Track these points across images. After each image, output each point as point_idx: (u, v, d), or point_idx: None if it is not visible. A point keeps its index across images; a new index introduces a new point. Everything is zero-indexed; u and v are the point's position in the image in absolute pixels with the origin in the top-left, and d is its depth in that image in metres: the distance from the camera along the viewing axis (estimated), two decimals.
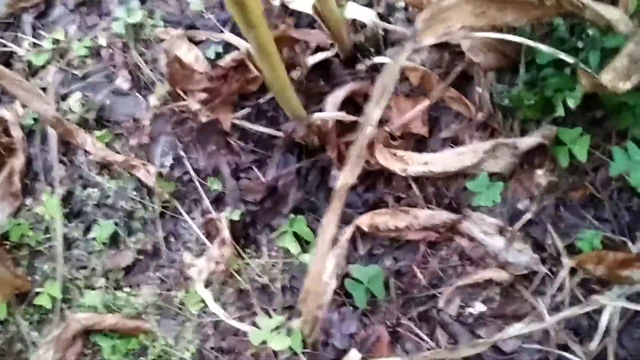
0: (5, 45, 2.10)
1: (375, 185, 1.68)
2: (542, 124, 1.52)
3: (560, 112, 1.43)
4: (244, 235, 1.75)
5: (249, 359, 1.60)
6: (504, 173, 1.52)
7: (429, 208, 1.58)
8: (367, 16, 1.60)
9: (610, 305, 1.35)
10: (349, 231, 1.55)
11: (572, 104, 1.39)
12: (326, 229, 1.36)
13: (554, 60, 1.36)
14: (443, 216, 1.54)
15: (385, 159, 1.53)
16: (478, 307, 1.52)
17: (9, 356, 1.72)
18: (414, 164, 1.52)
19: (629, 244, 1.44)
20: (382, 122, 1.64)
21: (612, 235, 1.47)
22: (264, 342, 1.49)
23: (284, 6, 1.72)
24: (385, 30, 1.69)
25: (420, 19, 1.18)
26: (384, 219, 1.60)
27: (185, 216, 1.80)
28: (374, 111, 1.17)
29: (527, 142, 1.48)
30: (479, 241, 1.52)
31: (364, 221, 1.56)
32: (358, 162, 1.24)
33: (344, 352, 1.53)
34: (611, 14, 1.17)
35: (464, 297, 1.54)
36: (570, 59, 1.20)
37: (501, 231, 1.50)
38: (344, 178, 1.26)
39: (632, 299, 1.37)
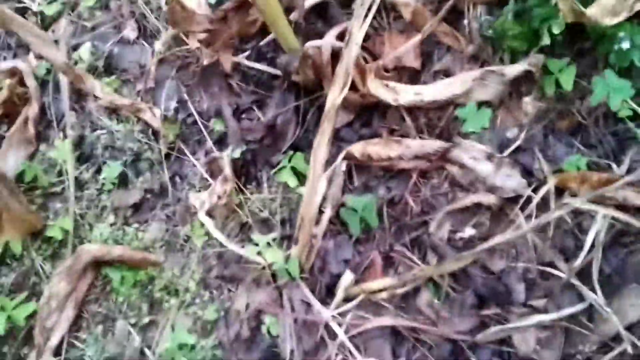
0: (20, 1, 2.18)
1: (371, 120, 1.73)
2: (531, 54, 1.56)
3: (546, 41, 1.47)
4: (245, 173, 1.82)
5: (250, 284, 1.67)
6: (492, 101, 1.56)
7: (420, 138, 1.63)
8: None
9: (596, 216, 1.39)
10: (340, 158, 1.60)
11: (556, 30, 1.43)
12: (317, 152, 1.42)
13: None
14: (434, 145, 1.59)
15: (377, 89, 1.58)
16: (468, 231, 1.57)
17: (25, 289, 1.81)
18: (406, 94, 1.57)
19: (614, 167, 1.48)
20: (376, 56, 1.69)
21: (598, 160, 1.50)
22: (258, 254, 1.56)
23: None
24: None
25: None
26: (376, 149, 1.65)
27: (190, 156, 1.88)
28: (356, 29, 1.22)
29: (515, 69, 1.52)
30: (469, 167, 1.56)
31: (357, 149, 1.61)
32: (344, 80, 1.29)
33: (339, 276, 1.60)
34: None
35: (455, 222, 1.59)
36: None
37: (490, 157, 1.54)
38: (332, 97, 1.32)
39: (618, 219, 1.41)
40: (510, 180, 1.51)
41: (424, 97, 1.57)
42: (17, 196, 1.75)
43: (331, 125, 1.38)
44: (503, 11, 1.53)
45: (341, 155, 1.60)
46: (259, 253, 1.56)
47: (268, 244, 1.59)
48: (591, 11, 1.29)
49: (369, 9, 1.23)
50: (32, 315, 1.74)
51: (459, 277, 1.51)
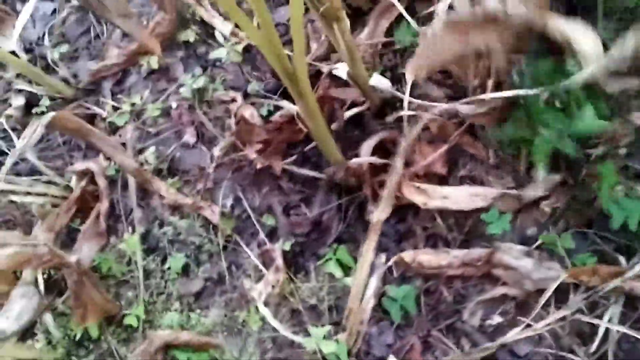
0: (89, 109, 2.50)
1: (405, 217, 1.98)
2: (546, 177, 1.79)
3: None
4: (294, 263, 2.07)
5: None
6: (511, 211, 1.81)
7: (450, 238, 1.87)
8: (385, 84, 1.93)
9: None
10: (390, 262, 1.84)
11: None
12: (365, 256, 1.67)
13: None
14: (478, 252, 1.79)
15: (410, 192, 1.83)
16: (496, 319, 1.79)
17: None
18: (434, 197, 1.82)
19: (622, 260, 1.71)
20: (408, 164, 1.95)
21: (609, 251, 1.73)
22: (317, 347, 1.79)
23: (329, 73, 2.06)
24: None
25: (409, 67, 1.50)
26: (427, 257, 1.86)
27: (245, 248, 2.13)
28: (398, 162, 1.49)
29: (531, 194, 1.77)
30: (513, 267, 1.76)
31: (409, 256, 1.84)
32: (388, 201, 1.56)
33: (383, 359, 1.82)
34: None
35: (484, 310, 1.81)
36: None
37: (529, 254, 1.76)
38: (378, 215, 1.58)
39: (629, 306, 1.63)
40: (551, 271, 1.72)
41: (450, 203, 1.81)
42: (97, 287, 2.00)
43: (376, 235, 1.64)
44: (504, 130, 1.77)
45: (391, 260, 1.84)
46: (315, 348, 1.78)
47: (323, 336, 1.81)
48: None
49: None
50: None
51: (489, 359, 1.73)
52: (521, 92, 1.53)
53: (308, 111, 1.54)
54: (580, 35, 1.36)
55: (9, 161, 1.85)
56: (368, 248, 1.62)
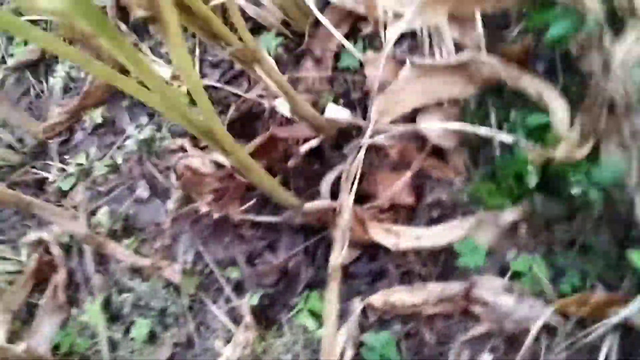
0: (37, 174, 2.36)
1: (376, 256, 1.82)
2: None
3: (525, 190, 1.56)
4: (265, 317, 1.91)
5: None
6: (489, 242, 1.64)
7: (426, 274, 1.71)
8: (343, 115, 1.78)
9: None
10: (359, 308, 1.68)
11: (532, 183, 1.51)
12: (329, 307, 1.51)
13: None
14: (456, 286, 1.64)
15: (377, 234, 1.67)
16: (485, 358, 1.62)
17: None
18: (405, 239, 1.66)
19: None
20: (371, 197, 1.80)
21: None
22: None
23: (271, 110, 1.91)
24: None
25: (374, 109, 1.36)
26: (400, 296, 1.72)
27: (211, 306, 1.97)
28: (345, 197, 1.33)
29: (505, 219, 1.61)
30: (491, 305, 1.60)
31: (378, 299, 1.69)
32: (343, 245, 1.40)
33: None
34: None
35: (472, 349, 1.65)
36: (509, 139, 1.34)
37: (509, 290, 1.59)
38: (334, 259, 1.42)
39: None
40: (533, 309, 1.56)
41: (423, 242, 1.65)
42: None
43: (337, 282, 1.48)
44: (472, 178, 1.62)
45: (359, 305, 1.68)
46: None
47: None
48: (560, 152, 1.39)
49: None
50: None
51: None
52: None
53: (242, 167, 1.39)
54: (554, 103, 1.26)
55: None
56: (331, 298, 1.46)
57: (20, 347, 1.69)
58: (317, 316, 1.83)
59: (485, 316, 1.58)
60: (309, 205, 1.66)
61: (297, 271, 1.91)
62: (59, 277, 2.17)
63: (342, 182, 1.47)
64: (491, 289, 1.57)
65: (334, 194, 1.79)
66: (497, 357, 1.61)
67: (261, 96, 1.95)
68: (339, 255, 1.41)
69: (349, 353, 1.70)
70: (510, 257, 1.66)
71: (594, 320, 1.50)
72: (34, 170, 2.37)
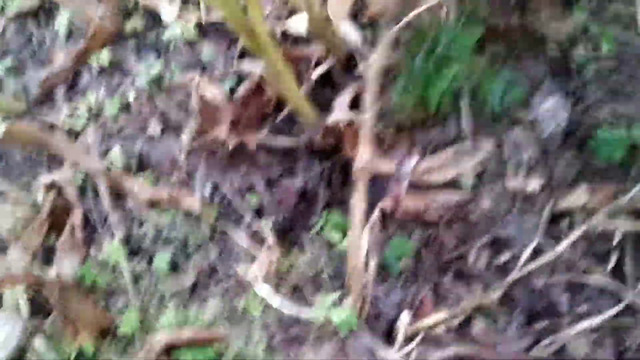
0: (44, 120, 2.35)
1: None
2: None
3: None
4: (286, 239, 1.97)
5: (314, 342, 1.79)
6: None
7: None
8: (355, 35, 1.82)
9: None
10: (375, 214, 1.75)
11: None
12: (356, 210, 1.57)
13: None
14: (456, 197, 1.73)
15: None
16: (503, 257, 1.71)
17: None
18: None
19: None
20: None
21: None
22: (326, 318, 1.69)
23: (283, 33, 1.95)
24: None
25: None
26: (403, 204, 1.80)
27: (232, 233, 2.02)
28: (369, 97, 1.39)
29: None
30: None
31: (387, 204, 1.76)
32: (369, 144, 1.45)
33: (395, 319, 1.73)
34: None
35: (490, 249, 1.73)
36: None
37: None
38: (360, 160, 1.47)
39: None
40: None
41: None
42: (84, 300, 1.88)
43: (364, 184, 1.53)
44: None
45: (376, 212, 1.74)
46: (324, 315, 1.68)
47: (332, 305, 1.72)
48: None
49: None
50: None
51: (505, 300, 1.65)
52: None
53: (274, 70, 1.43)
54: None
55: None
56: (357, 199, 1.51)
57: (51, 273, 1.72)
58: (339, 230, 1.89)
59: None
60: (331, 119, 1.71)
61: (315, 193, 1.97)
62: (75, 218, 2.19)
63: (363, 96, 1.52)
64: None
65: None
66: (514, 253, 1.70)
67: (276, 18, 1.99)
68: (366, 156, 1.46)
69: (372, 262, 1.77)
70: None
71: None
72: (41, 117, 2.36)
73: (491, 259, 1.71)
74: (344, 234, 1.90)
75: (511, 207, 1.68)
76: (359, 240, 1.61)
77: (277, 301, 1.77)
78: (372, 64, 1.34)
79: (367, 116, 1.40)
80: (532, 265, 1.54)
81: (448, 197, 1.76)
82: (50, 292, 1.71)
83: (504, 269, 1.69)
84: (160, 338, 1.85)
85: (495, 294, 1.58)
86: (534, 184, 1.68)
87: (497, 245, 1.71)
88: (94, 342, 1.97)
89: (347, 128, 1.82)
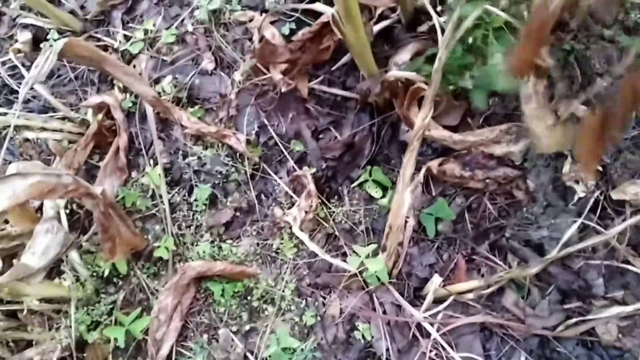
0: (99, 40, 2.37)
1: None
2: None
3: None
4: (326, 188, 1.98)
5: (342, 291, 1.83)
6: None
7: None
8: None
9: None
10: (422, 172, 1.75)
11: None
12: (407, 167, 1.57)
13: None
14: (504, 171, 1.72)
15: None
16: (543, 234, 1.70)
17: (134, 305, 1.99)
18: None
19: None
20: None
21: None
22: (361, 265, 1.71)
23: None
24: None
25: None
26: (451, 167, 1.79)
27: (273, 176, 2.04)
28: (439, 61, 1.37)
29: None
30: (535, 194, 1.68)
31: (434, 165, 1.76)
32: (431, 105, 1.44)
33: (425, 280, 1.75)
34: None
35: (531, 226, 1.72)
36: None
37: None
38: (421, 118, 1.46)
39: None
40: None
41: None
42: (125, 221, 1.92)
43: (419, 143, 1.53)
44: None
45: (423, 171, 1.74)
46: (361, 263, 1.70)
47: (367, 255, 1.74)
48: None
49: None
50: (146, 329, 1.91)
51: (541, 276, 1.65)
52: None
53: (347, 11, 1.41)
54: None
55: (23, 90, 1.72)
56: (409, 159, 1.51)
57: (97, 188, 1.75)
58: (381, 186, 1.90)
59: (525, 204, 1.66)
60: (393, 73, 1.69)
61: (362, 147, 1.97)
62: (121, 140, 2.22)
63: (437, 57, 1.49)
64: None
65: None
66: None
67: None
68: (427, 116, 1.45)
69: (411, 220, 1.78)
70: None
71: None
72: (97, 36, 2.37)
73: (531, 235, 1.71)
74: (385, 191, 1.91)
75: (559, 189, 1.66)
76: (403, 198, 1.61)
77: (312, 245, 1.79)
78: (450, 25, 1.31)
79: (436, 76, 1.38)
80: (574, 247, 1.53)
81: (496, 169, 1.75)
82: (95, 206, 1.75)
83: (542, 247, 1.69)
84: (194, 266, 1.90)
85: (533, 269, 1.59)
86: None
87: (538, 223, 1.70)
88: (128, 262, 2.03)
89: (405, 86, 1.80)
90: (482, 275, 1.71)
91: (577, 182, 1.61)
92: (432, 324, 1.68)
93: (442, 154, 1.86)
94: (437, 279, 1.69)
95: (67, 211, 2.10)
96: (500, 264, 1.71)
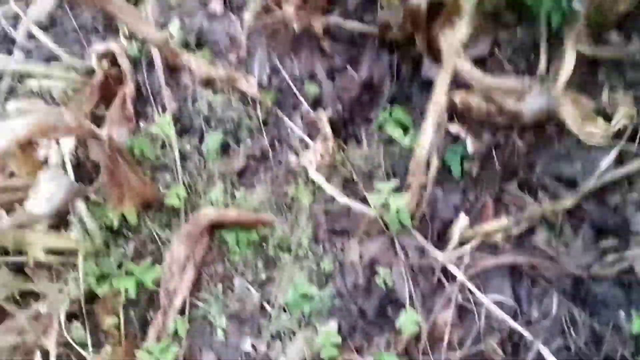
0: None
1: None
2: None
3: None
4: (344, 131, 1.89)
5: (362, 236, 1.74)
6: None
7: None
8: None
9: None
10: (446, 105, 1.62)
11: None
12: (437, 95, 1.46)
13: None
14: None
15: None
16: (576, 167, 1.59)
17: (145, 256, 1.91)
18: None
19: None
20: None
21: None
22: (383, 205, 1.62)
23: None
24: None
25: None
26: (476, 101, 1.69)
27: (287, 120, 1.94)
28: None
29: None
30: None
31: (459, 96, 1.65)
32: (466, 28, 1.33)
33: (450, 222, 1.66)
34: None
35: (563, 161, 1.62)
36: None
37: None
38: (452, 42, 1.35)
39: None
40: None
41: None
42: (134, 168, 1.84)
43: (451, 69, 1.42)
44: None
45: (447, 103, 1.63)
46: (383, 203, 1.61)
47: (389, 191, 1.64)
48: None
49: None
50: (157, 280, 1.84)
51: (574, 212, 1.55)
52: None
53: None
54: None
55: (21, 28, 1.63)
56: (441, 84, 1.40)
57: (103, 131, 1.67)
58: (402, 126, 1.80)
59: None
60: (412, 1, 1.58)
61: (381, 85, 1.87)
62: (127, 88, 2.12)
63: None
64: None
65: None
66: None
67: None
68: (459, 40, 1.34)
69: (435, 161, 1.68)
70: None
71: None
72: None
73: (563, 170, 1.60)
74: (406, 131, 1.81)
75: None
76: (428, 134, 1.51)
77: (329, 188, 1.70)
78: None
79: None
80: (611, 174, 1.42)
81: (527, 103, 1.64)
82: (101, 150, 1.66)
83: (575, 182, 1.59)
84: (207, 214, 1.82)
85: (566, 204, 1.49)
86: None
87: (571, 156, 1.60)
88: (138, 213, 1.95)
89: (424, 18, 1.68)
90: (513, 214, 1.61)
91: (613, 111, 1.50)
92: (458, 267, 1.59)
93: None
94: (463, 219, 1.60)
95: (74, 162, 2.01)
96: (530, 201, 1.61)
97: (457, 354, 1.55)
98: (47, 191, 1.76)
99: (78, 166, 2.05)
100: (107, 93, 2.16)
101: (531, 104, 1.54)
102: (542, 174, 1.62)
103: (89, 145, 1.95)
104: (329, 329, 1.67)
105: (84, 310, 1.84)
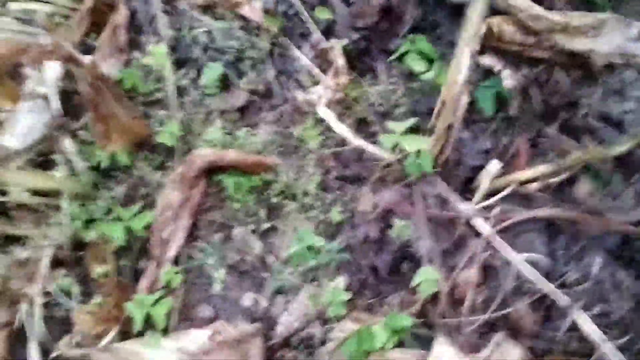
0: None
1: None
2: None
3: None
4: (358, 64, 1.67)
5: (376, 183, 1.54)
6: None
7: None
8: None
9: None
10: (481, 32, 1.40)
11: None
12: (474, 16, 1.23)
13: None
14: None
15: None
16: (626, 105, 1.37)
17: (137, 200, 1.74)
18: None
19: None
20: None
21: None
22: (395, 146, 1.41)
23: None
24: None
25: None
26: (512, 29, 1.45)
27: (295, 51, 1.73)
28: None
29: None
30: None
31: (495, 21, 1.41)
32: None
33: (478, 169, 1.45)
34: None
35: (611, 99, 1.39)
36: None
37: None
38: None
39: None
40: None
41: None
42: (122, 101, 1.65)
43: None
44: None
45: (482, 30, 1.40)
46: (395, 145, 1.40)
47: (407, 131, 1.43)
48: None
49: None
50: (148, 226, 1.67)
51: (624, 160, 1.33)
52: None
53: None
54: None
55: None
56: (477, 7, 1.17)
57: (86, 59, 1.47)
58: (425, 59, 1.57)
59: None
60: None
61: (402, 11, 1.64)
62: (119, 16, 1.92)
63: None
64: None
65: None
66: None
67: None
68: None
69: (464, 98, 1.45)
70: None
71: None
72: None
73: (613, 109, 1.38)
74: (430, 64, 1.58)
75: None
76: (463, 66, 1.29)
77: (340, 128, 1.49)
78: None
79: None
80: None
81: (569, 39, 1.39)
82: (83, 78, 1.47)
83: (624, 124, 1.36)
84: (203, 155, 1.63)
85: (616, 150, 1.27)
86: None
87: (622, 94, 1.37)
88: (129, 152, 1.77)
89: None
90: (552, 161, 1.39)
91: None
92: (485, 220, 1.38)
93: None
94: (493, 167, 1.39)
95: (63, 95, 1.82)
96: (572, 148, 1.39)
97: (479, 318, 1.36)
98: (25, 125, 1.59)
99: (68, 100, 1.86)
100: (98, 21, 1.96)
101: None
102: (587, 115, 1.38)
103: (75, 75, 1.75)
104: (337, 285, 1.51)
105: (70, 258, 1.69)
